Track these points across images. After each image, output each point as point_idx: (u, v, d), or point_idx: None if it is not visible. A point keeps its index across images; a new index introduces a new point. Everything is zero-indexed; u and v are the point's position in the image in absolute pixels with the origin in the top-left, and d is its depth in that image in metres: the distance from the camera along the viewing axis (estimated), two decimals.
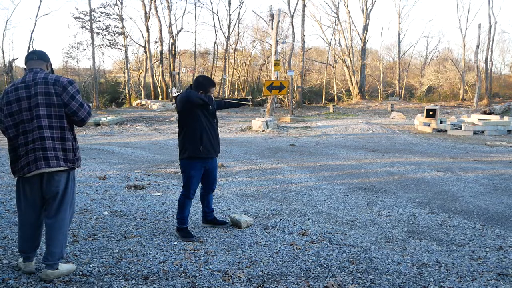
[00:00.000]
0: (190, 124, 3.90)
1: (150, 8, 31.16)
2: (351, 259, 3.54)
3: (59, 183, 3.02)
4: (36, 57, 3.11)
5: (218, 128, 4.36)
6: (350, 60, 35.01)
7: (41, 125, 2.92)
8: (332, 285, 3.06)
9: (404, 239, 4.06)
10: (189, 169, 3.95)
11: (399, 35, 37.98)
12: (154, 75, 33.06)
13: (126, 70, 31.79)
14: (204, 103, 3.82)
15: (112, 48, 33.13)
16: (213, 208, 4.42)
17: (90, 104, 3.11)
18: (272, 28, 17.57)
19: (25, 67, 3.12)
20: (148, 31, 31.32)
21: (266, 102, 18.31)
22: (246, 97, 4.56)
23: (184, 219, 4.03)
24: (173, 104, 26.33)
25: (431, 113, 14.54)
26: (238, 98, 4.43)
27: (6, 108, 2.96)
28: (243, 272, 3.28)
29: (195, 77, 4.23)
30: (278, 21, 17.33)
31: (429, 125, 14.55)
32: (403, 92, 37.96)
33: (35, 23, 51.34)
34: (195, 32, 55.33)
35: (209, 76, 4.49)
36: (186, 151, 3.93)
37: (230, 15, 33.16)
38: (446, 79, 36.74)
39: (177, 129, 4.11)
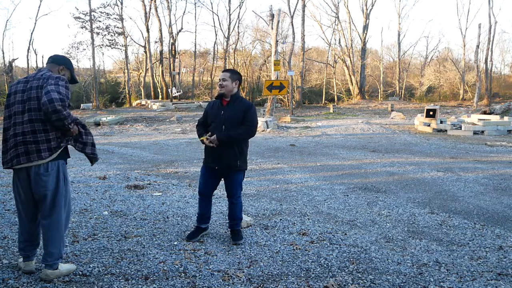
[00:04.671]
0: None
1: (150, 8, 31.17)
2: (351, 259, 3.54)
3: (47, 183, 2.98)
4: (51, 60, 3.22)
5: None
6: (350, 60, 35.01)
7: (32, 118, 2.93)
8: (332, 285, 3.06)
9: (404, 239, 4.06)
10: (202, 166, 4.07)
11: (399, 35, 38.01)
12: (154, 75, 33.05)
13: (126, 70, 31.76)
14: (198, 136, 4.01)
15: (112, 48, 33.14)
16: (235, 217, 4.01)
17: (64, 96, 2.87)
18: (272, 28, 17.57)
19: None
20: (148, 31, 31.32)
21: (266, 102, 18.31)
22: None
23: (197, 216, 4.06)
24: (173, 104, 26.32)
25: (431, 113, 14.54)
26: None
27: (6, 100, 3.11)
28: (243, 272, 3.28)
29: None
30: (278, 21, 17.33)
31: (429, 125, 14.55)
32: (403, 92, 37.97)
33: (35, 23, 51.49)
34: (195, 32, 55.45)
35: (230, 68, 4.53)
36: None
37: (230, 15, 33.18)
38: (446, 79, 36.75)
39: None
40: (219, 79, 3.90)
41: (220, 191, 5.97)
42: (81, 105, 27.36)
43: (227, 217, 4.63)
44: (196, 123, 4.19)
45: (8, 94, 3.08)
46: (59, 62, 3.21)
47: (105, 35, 30.45)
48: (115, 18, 30.32)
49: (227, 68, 34.59)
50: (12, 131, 2.98)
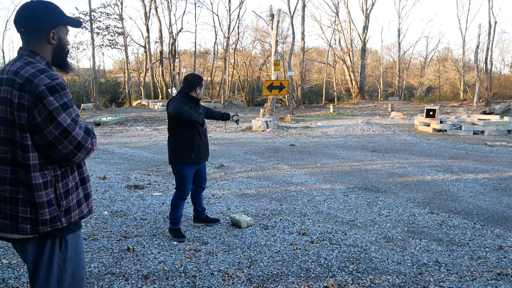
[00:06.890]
0: (183, 131, 3.94)
1: (150, 8, 31.17)
2: (351, 259, 3.54)
3: (26, 254, 1.84)
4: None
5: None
6: (350, 60, 35.02)
7: None
8: (332, 285, 3.06)
9: (404, 239, 4.06)
10: (182, 170, 3.99)
11: (399, 35, 38.02)
12: (154, 75, 33.06)
13: (126, 70, 31.77)
14: (201, 123, 3.94)
15: (112, 48, 33.16)
16: (204, 207, 4.51)
17: (89, 126, 1.87)
18: (272, 28, 17.58)
19: None
20: (148, 31, 31.32)
21: (266, 102, 18.31)
22: (231, 114, 4.56)
23: (177, 219, 4.06)
24: None
25: (431, 113, 14.54)
26: (222, 112, 4.56)
27: None
28: (243, 272, 3.29)
29: (183, 77, 4.24)
30: (278, 21, 17.34)
31: (429, 125, 14.55)
32: (403, 92, 37.98)
33: None
34: (195, 32, 55.45)
35: (197, 74, 4.47)
36: (178, 158, 3.98)
37: (230, 15, 33.19)
38: (446, 79, 36.78)
39: None
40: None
41: (220, 191, 5.97)
42: (81, 105, 27.38)
43: (227, 217, 4.64)
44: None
45: None
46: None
47: (105, 35, 30.49)
48: (115, 18, 30.36)
49: (226, 68, 34.67)
50: None
